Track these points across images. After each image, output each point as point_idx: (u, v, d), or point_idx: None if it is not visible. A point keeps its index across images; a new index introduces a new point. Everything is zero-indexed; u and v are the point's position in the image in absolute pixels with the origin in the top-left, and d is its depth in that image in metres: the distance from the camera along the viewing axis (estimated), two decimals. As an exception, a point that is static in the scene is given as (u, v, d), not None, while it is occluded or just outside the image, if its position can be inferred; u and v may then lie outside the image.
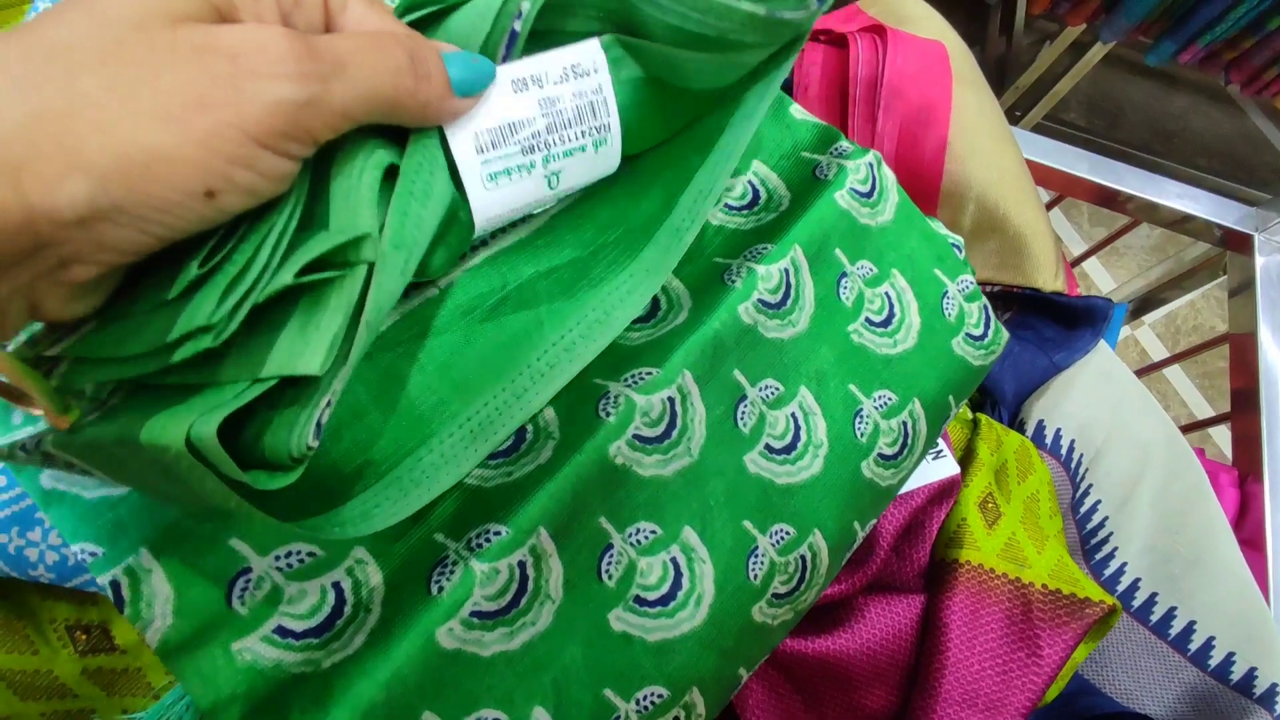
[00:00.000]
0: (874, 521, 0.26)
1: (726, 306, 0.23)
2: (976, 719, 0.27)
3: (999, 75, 1.32)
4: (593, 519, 0.21)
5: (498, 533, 0.20)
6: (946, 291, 0.29)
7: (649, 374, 0.22)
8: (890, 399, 0.26)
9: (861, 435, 0.25)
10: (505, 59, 0.19)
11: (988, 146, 0.42)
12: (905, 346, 0.27)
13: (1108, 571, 0.35)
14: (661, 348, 0.23)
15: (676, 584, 0.21)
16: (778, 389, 0.24)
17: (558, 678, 0.20)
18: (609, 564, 0.21)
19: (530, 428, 0.22)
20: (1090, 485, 0.35)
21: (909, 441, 0.26)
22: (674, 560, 0.21)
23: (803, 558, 0.24)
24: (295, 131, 0.15)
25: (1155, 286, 0.59)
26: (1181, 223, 0.56)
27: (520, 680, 0.20)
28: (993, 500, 0.30)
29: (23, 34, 0.14)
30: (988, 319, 0.30)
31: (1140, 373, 0.51)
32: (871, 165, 0.28)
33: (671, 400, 0.22)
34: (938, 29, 0.46)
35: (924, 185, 0.42)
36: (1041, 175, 0.55)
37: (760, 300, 0.24)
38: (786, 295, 0.25)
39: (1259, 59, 0.88)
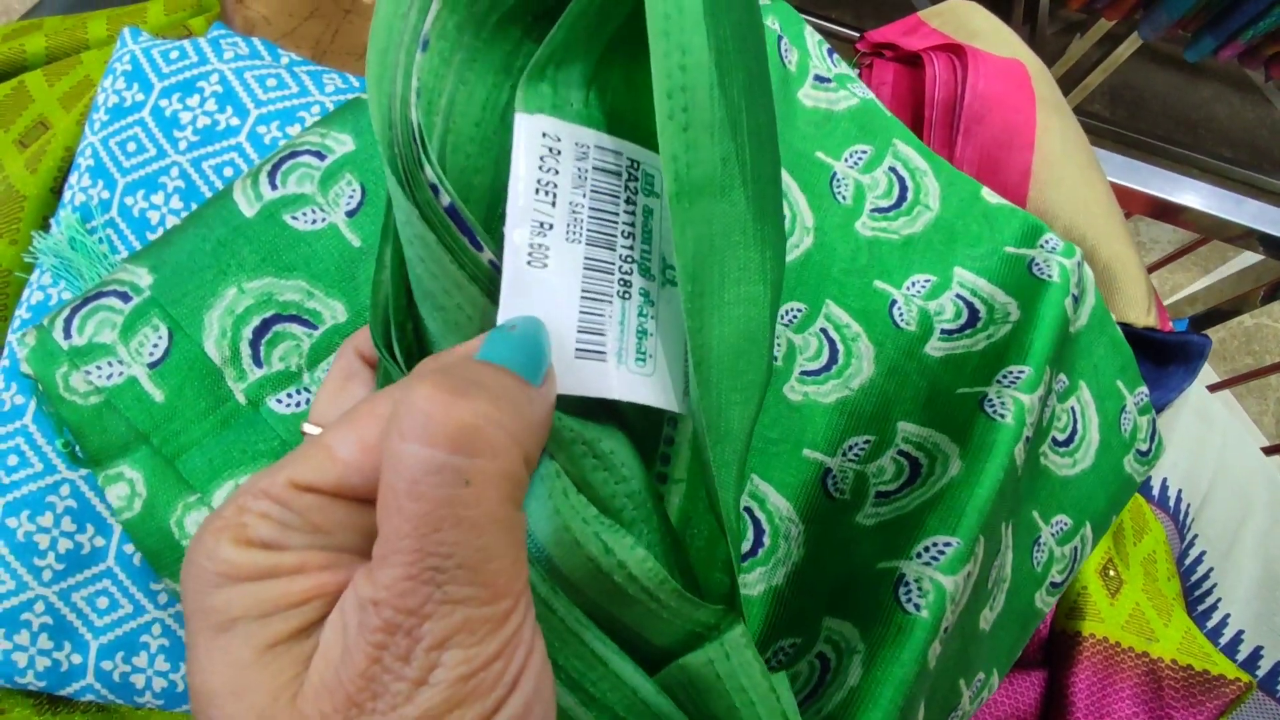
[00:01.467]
0: None
1: (1003, 449, 0.20)
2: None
3: (1022, 66, 1.29)
4: None
5: None
6: (1125, 406, 0.27)
7: (948, 546, 0.19)
8: (1065, 524, 0.24)
9: (1038, 564, 0.24)
10: (478, 246, 0.14)
11: (1073, 175, 0.40)
12: (1083, 466, 0.25)
13: (1210, 623, 0.34)
14: (950, 511, 0.20)
15: None
16: (1009, 533, 0.22)
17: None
18: None
19: (830, 651, 0.19)
20: (1195, 536, 0.34)
21: (1074, 567, 0.25)
22: None
23: (981, 697, 0.22)
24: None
25: (1225, 301, 0.57)
26: (1245, 237, 0.54)
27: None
28: (1113, 567, 0.29)
29: None
30: (1153, 432, 0.28)
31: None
32: (1080, 265, 0.25)
33: (970, 575, 0.19)
34: (1011, 45, 0.44)
35: (1006, 215, 0.41)
36: (1145, 205, 0.53)
37: (1026, 436, 0.21)
38: (1034, 426, 0.22)
39: (1303, 55, 0.86)
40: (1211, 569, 0.34)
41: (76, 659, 0.20)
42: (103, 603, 0.20)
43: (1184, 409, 0.37)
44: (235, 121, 0.22)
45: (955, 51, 0.42)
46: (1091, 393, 0.26)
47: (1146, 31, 0.92)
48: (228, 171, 0.22)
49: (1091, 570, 0.28)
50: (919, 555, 0.19)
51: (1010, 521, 0.22)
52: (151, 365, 0.18)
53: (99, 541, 0.20)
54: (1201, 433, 0.36)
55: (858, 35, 0.48)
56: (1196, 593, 0.34)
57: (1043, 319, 0.23)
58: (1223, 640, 0.34)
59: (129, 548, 0.20)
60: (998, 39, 0.46)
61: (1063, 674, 0.27)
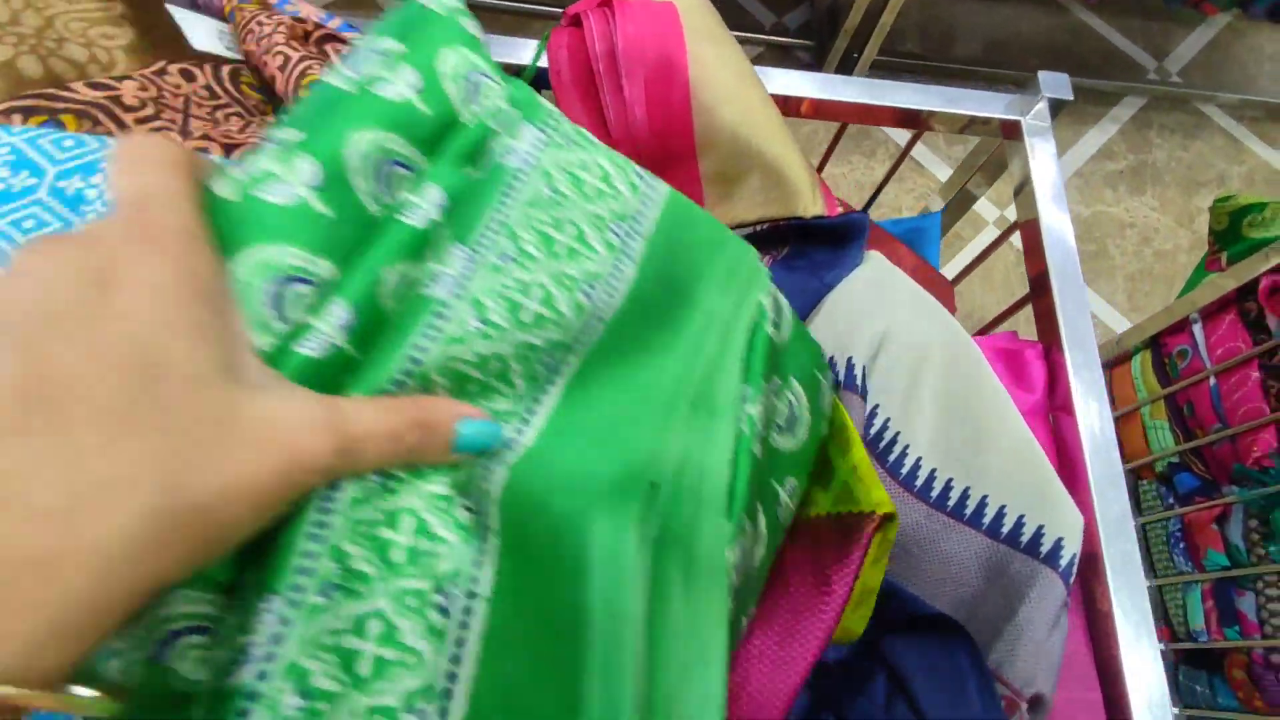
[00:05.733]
0: None
1: (745, 450, 0.25)
2: (771, 642, 0.28)
3: (831, 26, 1.35)
4: None
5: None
6: (821, 386, 0.32)
7: None
8: (794, 485, 0.29)
9: (782, 520, 0.29)
10: None
11: (731, 92, 0.43)
12: (800, 440, 0.30)
13: (905, 470, 0.36)
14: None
15: None
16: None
17: None
18: None
19: None
20: (877, 405, 0.36)
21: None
22: None
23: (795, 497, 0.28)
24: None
25: (962, 185, 0.61)
26: (969, 126, 0.58)
27: None
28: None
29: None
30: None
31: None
32: (773, 296, 0.30)
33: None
34: (669, -9, 0.47)
35: (680, 141, 0.43)
36: (838, 111, 0.56)
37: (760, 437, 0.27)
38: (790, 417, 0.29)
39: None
40: (889, 419, 0.36)
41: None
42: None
43: (856, 281, 0.40)
44: (32, 181, 0.24)
45: (607, 5, 0.44)
46: (800, 383, 0.30)
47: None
48: (28, 224, 0.24)
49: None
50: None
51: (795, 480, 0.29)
52: None
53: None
54: (870, 299, 0.39)
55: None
56: (881, 444, 0.36)
57: (755, 348, 0.28)
58: (919, 481, 0.36)
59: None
60: (660, -10, 0.48)
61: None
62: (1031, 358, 0.46)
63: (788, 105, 0.56)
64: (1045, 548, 0.33)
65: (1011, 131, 0.54)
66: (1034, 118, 0.53)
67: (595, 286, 0.25)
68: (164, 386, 0.15)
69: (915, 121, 0.59)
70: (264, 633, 0.17)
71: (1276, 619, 0.67)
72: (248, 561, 0.18)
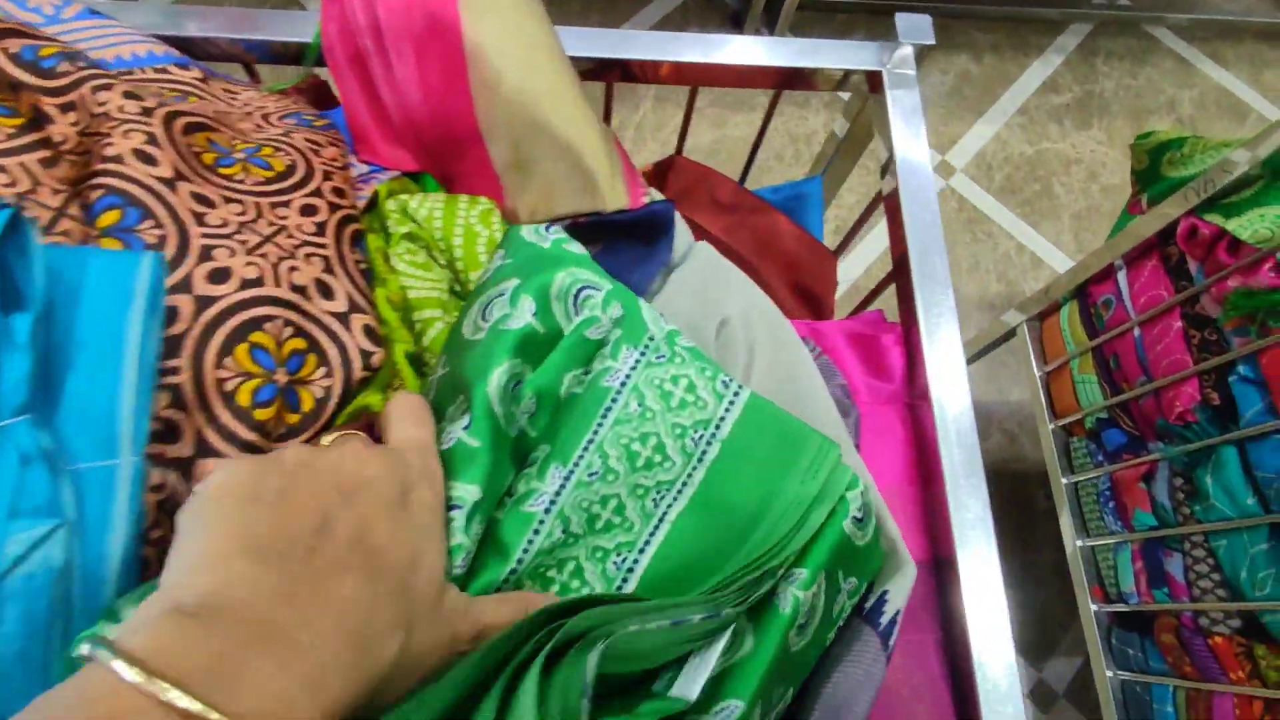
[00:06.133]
0: None
1: (778, 631, 0.26)
2: None
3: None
4: None
5: None
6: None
7: (735, 707, 0.25)
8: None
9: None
10: None
11: (517, 67, 0.37)
12: None
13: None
14: (741, 678, 0.25)
15: None
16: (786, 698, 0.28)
17: None
18: None
19: None
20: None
21: None
22: None
23: None
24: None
25: (860, 110, 0.55)
26: (843, 82, 0.52)
27: None
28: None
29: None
30: None
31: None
32: (862, 493, 0.29)
33: None
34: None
35: (461, 122, 0.38)
36: (715, 75, 0.50)
37: (799, 624, 0.26)
38: (810, 616, 0.27)
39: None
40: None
41: None
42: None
43: (688, 271, 0.35)
44: None
45: (369, -26, 0.38)
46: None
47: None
48: None
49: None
50: (717, 712, 0.24)
51: (789, 691, 0.28)
52: None
53: None
54: (699, 288, 0.34)
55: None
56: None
57: (823, 536, 0.28)
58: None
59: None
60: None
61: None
62: (890, 343, 0.41)
63: (645, 70, 0.50)
64: (869, 604, 0.29)
65: (876, 86, 0.49)
66: (895, 66, 0.47)
67: (664, 494, 0.28)
68: (419, 572, 0.22)
69: (796, 81, 0.53)
70: None
71: (1203, 581, 0.64)
72: None
